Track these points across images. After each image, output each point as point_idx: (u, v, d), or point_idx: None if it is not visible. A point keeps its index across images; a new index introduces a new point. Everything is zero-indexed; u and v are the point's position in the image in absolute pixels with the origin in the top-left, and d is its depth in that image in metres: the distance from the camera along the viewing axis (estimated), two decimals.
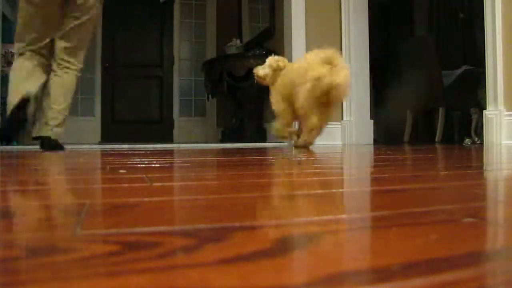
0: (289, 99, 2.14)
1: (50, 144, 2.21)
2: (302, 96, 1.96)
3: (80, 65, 2.37)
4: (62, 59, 2.29)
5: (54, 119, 2.22)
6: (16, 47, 2.28)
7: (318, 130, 2.02)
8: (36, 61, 2.24)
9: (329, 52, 1.97)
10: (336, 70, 1.89)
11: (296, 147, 2.22)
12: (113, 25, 5.67)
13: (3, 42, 3.47)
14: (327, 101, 1.95)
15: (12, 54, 3.48)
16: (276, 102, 2.33)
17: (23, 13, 2.23)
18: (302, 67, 2.04)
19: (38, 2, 2.17)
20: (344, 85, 1.87)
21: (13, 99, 2.10)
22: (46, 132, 2.21)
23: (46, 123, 2.21)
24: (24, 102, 2.09)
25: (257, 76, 2.44)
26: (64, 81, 2.27)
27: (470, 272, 0.24)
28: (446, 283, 0.22)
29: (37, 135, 2.22)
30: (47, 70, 2.28)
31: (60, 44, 2.29)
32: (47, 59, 2.30)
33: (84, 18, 2.30)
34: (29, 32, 2.24)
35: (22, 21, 2.25)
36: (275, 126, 2.40)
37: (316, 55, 2.01)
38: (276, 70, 2.34)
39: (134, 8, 5.83)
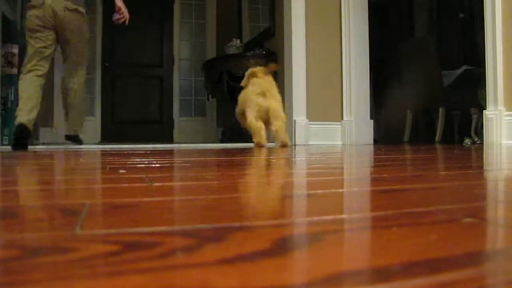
0: (243, 109, 2.89)
1: (72, 138, 3.13)
2: (249, 117, 2.73)
3: (83, 79, 3.11)
4: (66, 86, 3.06)
5: (73, 124, 3.14)
6: (24, 68, 2.90)
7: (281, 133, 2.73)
8: (36, 82, 2.85)
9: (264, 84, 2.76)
10: (269, 98, 2.69)
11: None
12: (113, 25, 5.66)
13: (3, 42, 3.47)
14: (267, 120, 2.71)
15: (13, 54, 3.50)
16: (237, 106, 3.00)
17: (28, 47, 2.90)
18: (246, 95, 2.80)
19: (39, 41, 2.87)
20: (273, 108, 2.67)
21: (18, 118, 2.77)
22: (69, 132, 3.13)
23: (69, 127, 3.13)
24: (21, 128, 2.73)
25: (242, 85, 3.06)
26: (74, 100, 3.07)
27: (470, 272, 0.24)
28: (446, 283, 0.22)
29: (66, 134, 3.17)
30: (44, 79, 2.91)
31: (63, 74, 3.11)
32: (45, 70, 2.92)
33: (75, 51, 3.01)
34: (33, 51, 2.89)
35: (29, 51, 2.90)
36: None
37: (256, 86, 2.77)
38: (250, 77, 2.93)
39: (134, 8, 5.82)
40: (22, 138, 2.69)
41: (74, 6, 2.92)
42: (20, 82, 2.85)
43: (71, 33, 2.94)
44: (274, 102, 2.71)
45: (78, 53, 3.04)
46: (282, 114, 2.77)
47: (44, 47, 2.88)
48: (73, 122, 3.10)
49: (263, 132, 2.72)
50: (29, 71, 2.83)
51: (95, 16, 5.46)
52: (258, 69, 2.96)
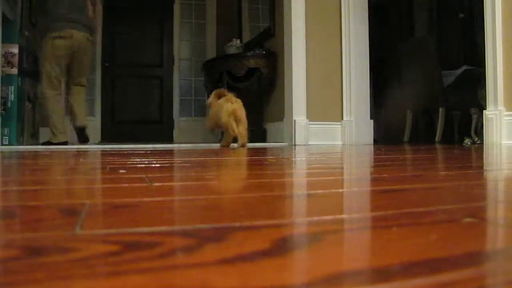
0: (215, 120, 3.19)
1: (81, 132, 3.53)
2: (223, 118, 3.04)
3: (86, 83, 3.66)
4: (73, 84, 3.54)
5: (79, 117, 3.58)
6: (46, 92, 3.45)
7: (243, 135, 3.05)
8: (59, 101, 3.45)
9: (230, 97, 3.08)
10: (234, 104, 3.04)
11: (223, 146, 3.16)
12: (113, 25, 5.67)
13: (3, 42, 3.47)
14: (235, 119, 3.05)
15: (13, 54, 3.50)
16: (208, 120, 3.40)
17: (48, 72, 3.39)
18: (220, 105, 3.11)
19: (57, 68, 3.40)
20: (238, 110, 3.02)
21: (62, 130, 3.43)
22: (79, 123, 3.54)
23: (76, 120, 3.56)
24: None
25: (207, 104, 3.32)
26: (79, 97, 3.57)
27: (470, 272, 0.24)
28: (446, 283, 0.22)
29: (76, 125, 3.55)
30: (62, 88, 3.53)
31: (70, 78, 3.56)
32: (61, 81, 3.50)
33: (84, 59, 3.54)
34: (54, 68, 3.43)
35: (47, 76, 3.40)
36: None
37: (225, 101, 3.08)
38: (218, 97, 3.18)
39: (134, 8, 5.83)
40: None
41: (89, 36, 3.49)
42: (49, 102, 3.39)
43: (84, 56, 3.51)
44: (242, 127, 3.09)
45: (84, 67, 3.57)
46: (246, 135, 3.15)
47: (61, 72, 3.42)
48: (79, 115, 3.50)
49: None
50: (51, 95, 3.37)
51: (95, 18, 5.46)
52: (224, 90, 3.25)
